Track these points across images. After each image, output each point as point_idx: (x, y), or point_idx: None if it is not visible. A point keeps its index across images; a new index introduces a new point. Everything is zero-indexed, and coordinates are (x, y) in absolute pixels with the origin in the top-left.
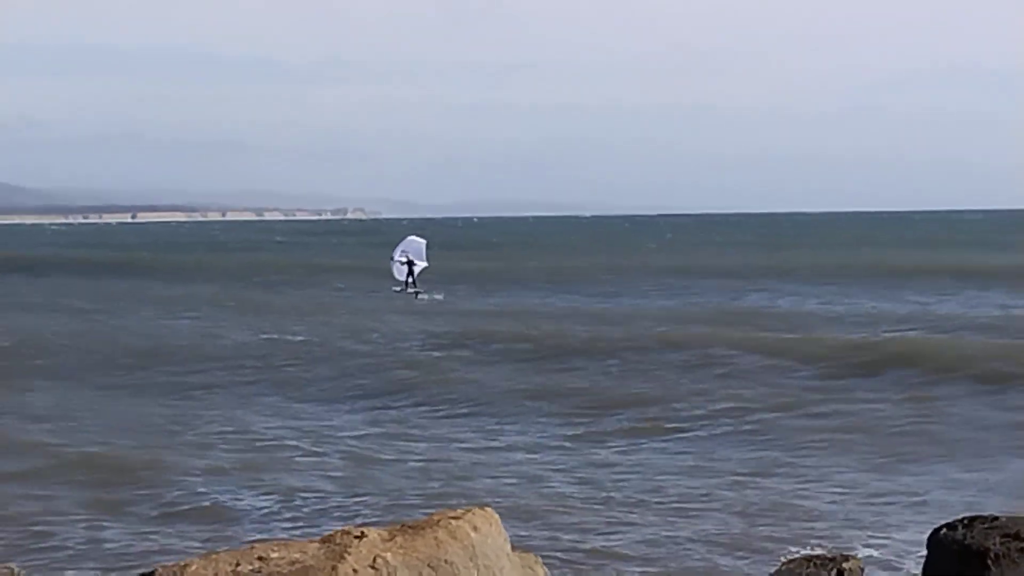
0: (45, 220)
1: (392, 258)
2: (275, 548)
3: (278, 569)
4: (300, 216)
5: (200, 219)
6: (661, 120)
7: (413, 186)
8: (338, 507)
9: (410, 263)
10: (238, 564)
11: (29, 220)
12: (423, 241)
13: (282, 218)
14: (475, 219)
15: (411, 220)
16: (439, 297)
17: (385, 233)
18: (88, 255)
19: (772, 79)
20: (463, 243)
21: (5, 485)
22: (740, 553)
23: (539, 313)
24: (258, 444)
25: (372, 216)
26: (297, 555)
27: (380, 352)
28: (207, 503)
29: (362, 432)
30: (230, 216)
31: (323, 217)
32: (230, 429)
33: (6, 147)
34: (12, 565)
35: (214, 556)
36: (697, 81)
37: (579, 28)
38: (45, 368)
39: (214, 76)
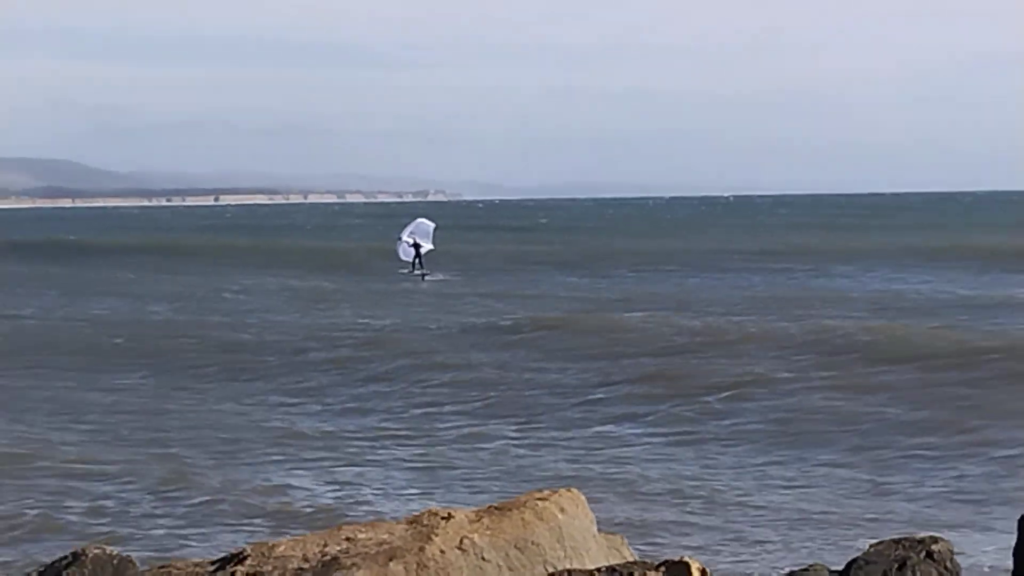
0: (130, 203)
1: (399, 239)
2: (362, 529)
3: (365, 549)
4: (382, 198)
5: (282, 201)
6: (748, 106)
7: (497, 169)
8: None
9: (416, 245)
10: (326, 545)
11: (113, 203)
12: (432, 224)
13: (364, 200)
14: (559, 201)
15: (487, 202)
16: (441, 277)
17: (446, 216)
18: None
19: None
20: (528, 226)
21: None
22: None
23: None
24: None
25: (453, 198)
26: (384, 535)
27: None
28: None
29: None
30: (312, 199)
31: (404, 200)
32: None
33: (94, 132)
34: (109, 548)
35: (302, 537)
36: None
37: (670, 9)
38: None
39: (297, 61)
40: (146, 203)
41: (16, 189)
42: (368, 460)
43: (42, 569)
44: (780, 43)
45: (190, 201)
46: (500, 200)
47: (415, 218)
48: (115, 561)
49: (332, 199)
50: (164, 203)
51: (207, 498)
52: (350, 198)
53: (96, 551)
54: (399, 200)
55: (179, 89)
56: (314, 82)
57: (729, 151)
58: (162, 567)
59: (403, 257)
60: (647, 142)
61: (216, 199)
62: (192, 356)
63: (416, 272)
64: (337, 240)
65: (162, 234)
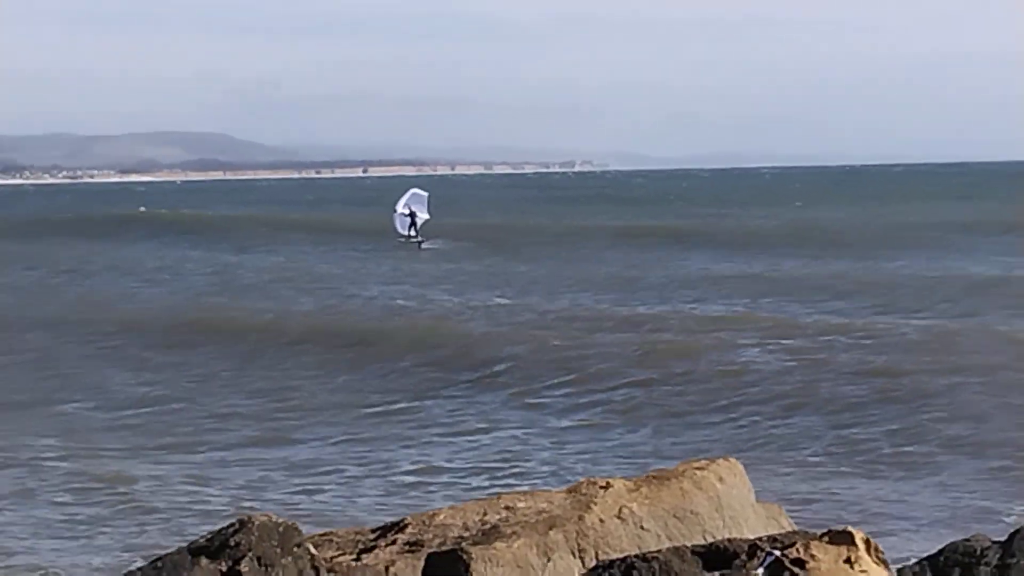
0: (281, 175)
1: (395, 211)
2: (521, 498)
3: (525, 518)
4: (528, 169)
5: (429, 173)
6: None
7: (644, 139)
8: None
9: (412, 214)
10: (485, 513)
11: (263, 175)
12: (425, 194)
13: (511, 171)
14: (704, 172)
15: (635, 172)
16: (439, 245)
17: (587, 187)
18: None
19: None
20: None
21: None
22: None
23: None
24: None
25: (600, 169)
26: (543, 504)
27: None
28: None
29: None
30: (459, 170)
31: (551, 170)
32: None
33: (247, 106)
34: (275, 515)
35: (462, 506)
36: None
37: None
38: None
39: (445, 33)
40: (295, 175)
41: (168, 162)
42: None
43: (210, 536)
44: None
45: (339, 173)
46: (649, 171)
47: (408, 190)
48: (281, 528)
49: (479, 170)
50: (313, 175)
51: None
52: (497, 169)
53: (262, 518)
54: (545, 171)
55: (329, 63)
56: (462, 54)
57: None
58: (323, 535)
59: (399, 228)
60: (792, 113)
61: (364, 171)
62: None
63: (412, 240)
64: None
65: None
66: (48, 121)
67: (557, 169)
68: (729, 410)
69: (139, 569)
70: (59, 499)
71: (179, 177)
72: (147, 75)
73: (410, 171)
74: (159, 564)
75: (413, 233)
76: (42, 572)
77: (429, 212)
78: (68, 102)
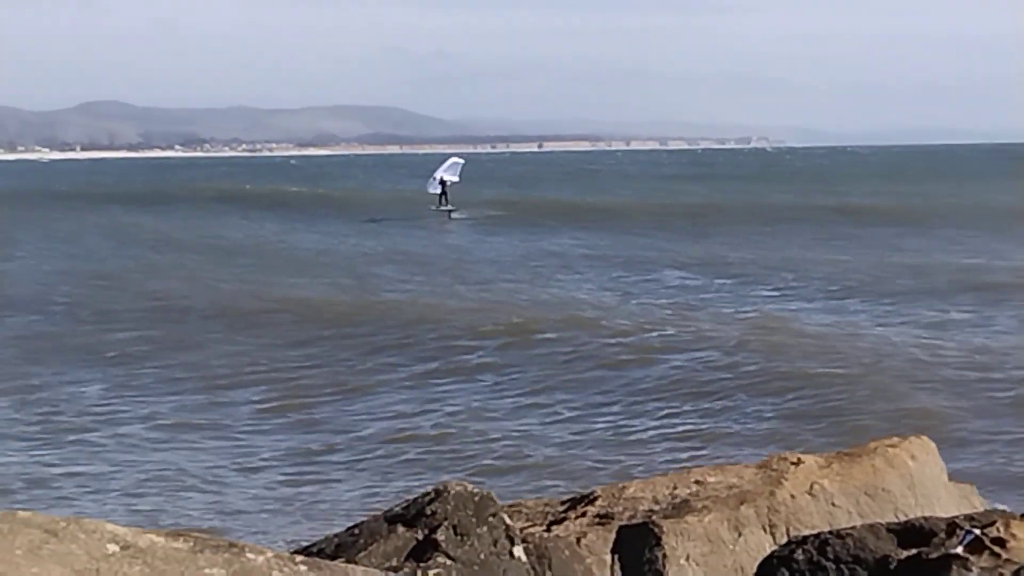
0: (455, 149)
1: (434, 178)
2: (711, 472)
3: (715, 492)
4: (704, 145)
5: (605, 148)
6: None
7: (822, 114)
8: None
9: (443, 182)
10: (675, 487)
11: (439, 149)
12: (462, 161)
13: (686, 147)
14: (893, 147)
15: (808, 148)
16: (465, 216)
17: (743, 166)
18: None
19: None
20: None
21: None
22: None
23: None
24: None
25: (776, 145)
26: (734, 479)
27: None
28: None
29: None
30: (634, 145)
31: (726, 146)
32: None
33: (423, 80)
34: (470, 484)
35: (652, 480)
36: None
37: None
38: None
39: (620, 7)
40: (471, 150)
41: (347, 136)
42: None
43: (405, 504)
44: None
45: (514, 148)
46: (826, 147)
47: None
48: (476, 498)
49: (654, 146)
50: (489, 150)
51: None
52: (672, 145)
53: (458, 487)
54: (721, 147)
55: (505, 36)
56: (637, 28)
57: None
58: (512, 505)
59: (431, 191)
60: (972, 88)
61: (540, 146)
62: None
63: (443, 208)
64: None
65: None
66: (230, 95)
67: (732, 145)
68: None
69: (335, 535)
70: None
71: (356, 151)
72: (327, 50)
73: (585, 146)
74: (356, 531)
75: (444, 200)
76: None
77: (459, 177)
78: (249, 76)
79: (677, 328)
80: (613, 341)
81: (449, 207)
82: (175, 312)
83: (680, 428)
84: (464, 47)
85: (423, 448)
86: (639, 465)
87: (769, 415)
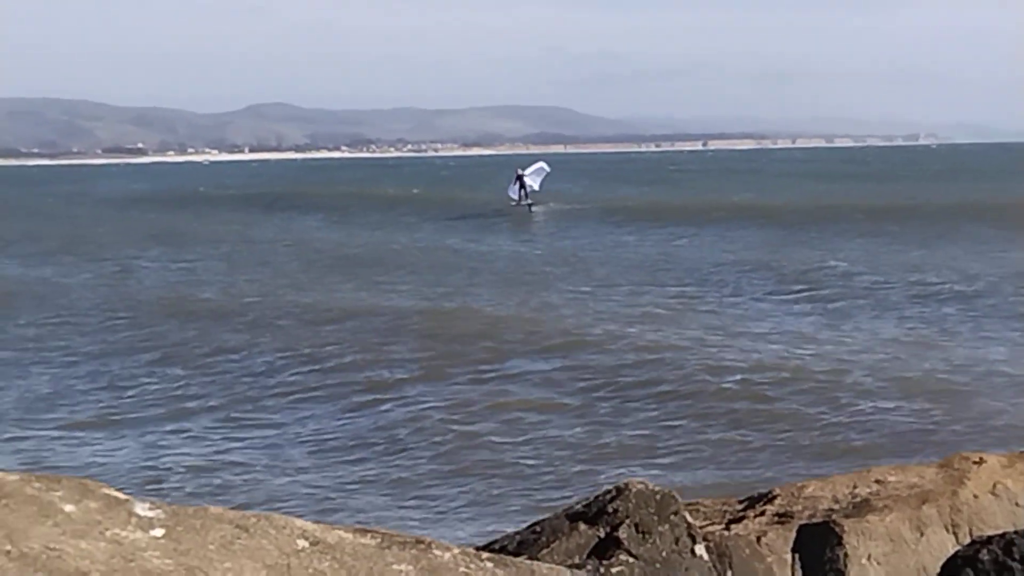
0: (620, 149)
1: (517, 173)
2: (892, 472)
3: (896, 492)
4: (871, 142)
5: (770, 146)
6: None
7: (991, 110)
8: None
9: (520, 178)
10: (855, 486)
11: (604, 148)
12: (547, 169)
13: (852, 144)
14: None
15: (975, 145)
16: (543, 211)
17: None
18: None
19: None
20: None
21: None
22: None
23: None
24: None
25: (945, 142)
26: (915, 479)
27: None
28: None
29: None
30: (800, 143)
31: (894, 143)
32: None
33: (587, 79)
34: (652, 483)
35: (831, 479)
36: None
37: None
38: None
39: (784, 4)
40: (636, 149)
41: (511, 136)
42: None
43: (587, 502)
44: None
45: (678, 146)
46: (994, 144)
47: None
48: (658, 496)
49: (820, 143)
50: (653, 148)
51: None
52: (838, 142)
53: (639, 485)
54: (888, 144)
55: (671, 35)
56: (802, 25)
57: None
58: (689, 504)
59: (511, 195)
60: None
61: (704, 144)
62: None
63: (523, 204)
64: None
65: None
66: (396, 96)
67: (900, 142)
68: None
69: (517, 532)
70: None
71: (520, 151)
72: (491, 50)
73: (750, 144)
74: (538, 528)
75: (524, 195)
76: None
77: (540, 187)
78: (415, 78)
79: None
80: None
81: (529, 201)
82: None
83: None
84: (629, 46)
85: None
86: None
87: None
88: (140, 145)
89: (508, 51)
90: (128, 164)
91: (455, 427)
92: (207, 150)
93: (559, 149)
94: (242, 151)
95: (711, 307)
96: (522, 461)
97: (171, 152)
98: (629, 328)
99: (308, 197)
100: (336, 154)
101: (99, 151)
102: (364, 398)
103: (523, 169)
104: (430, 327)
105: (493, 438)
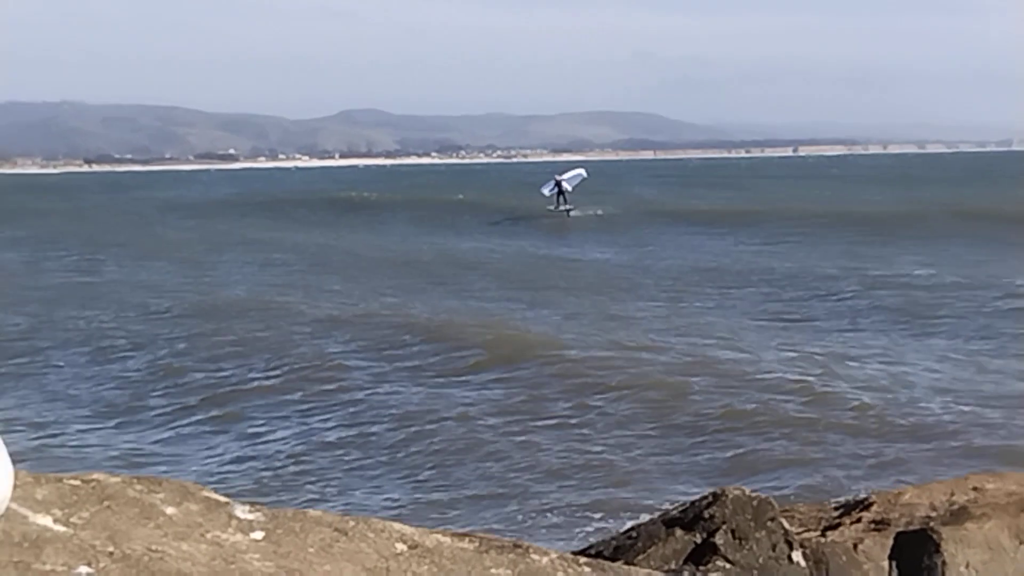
0: (708, 154)
1: (558, 180)
2: (990, 479)
3: (994, 499)
4: (963, 148)
5: (861, 151)
6: None
7: None
8: None
9: (558, 183)
10: (953, 494)
11: (693, 154)
12: (585, 174)
13: (944, 150)
14: None
15: None
16: (580, 213)
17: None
18: None
19: None
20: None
21: None
22: None
23: None
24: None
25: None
26: (1013, 487)
27: None
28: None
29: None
30: (891, 149)
31: (986, 149)
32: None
33: (675, 84)
34: (748, 488)
35: (928, 486)
36: None
37: None
38: None
39: (878, 7)
40: (725, 154)
41: (600, 142)
42: None
43: (683, 508)
44: None
45: (768, 152)
46: None
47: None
48: (755, 502)
49: (912, 149)
50: (743, 154)
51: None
52: (930, 148)
53: (736, 491)
54: (980, 150)
55: (760, 41)
56: (893, 29)
57: None
58: (784, 510)
59: (545, 192)
60: None
61: (795, 150)
62: None
63: (561, 208)
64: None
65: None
66: (485, 102)
67: (993, 148)
68: None
69: (613, 537)
70: None
71: (610, 157)
72: (582, 56)
73: (840, 150)
74: (634, 534)
75: (562, 200)
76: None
77: (574, 188)
78: (505, 84)
79: None
80: None
81: (568, 206)
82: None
83: None
84: (719, 51)
85: None
86: None
87: None
88: (232, 151)
89: (597, 56)
90: (220, 170)
91: None
92: (298, 156)
93: (648, 155)
94: (332, 157)
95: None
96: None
97: (262, 158)
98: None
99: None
100: (426, 160)
101: (191, 157)
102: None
103: (560, 175)
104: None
105: None
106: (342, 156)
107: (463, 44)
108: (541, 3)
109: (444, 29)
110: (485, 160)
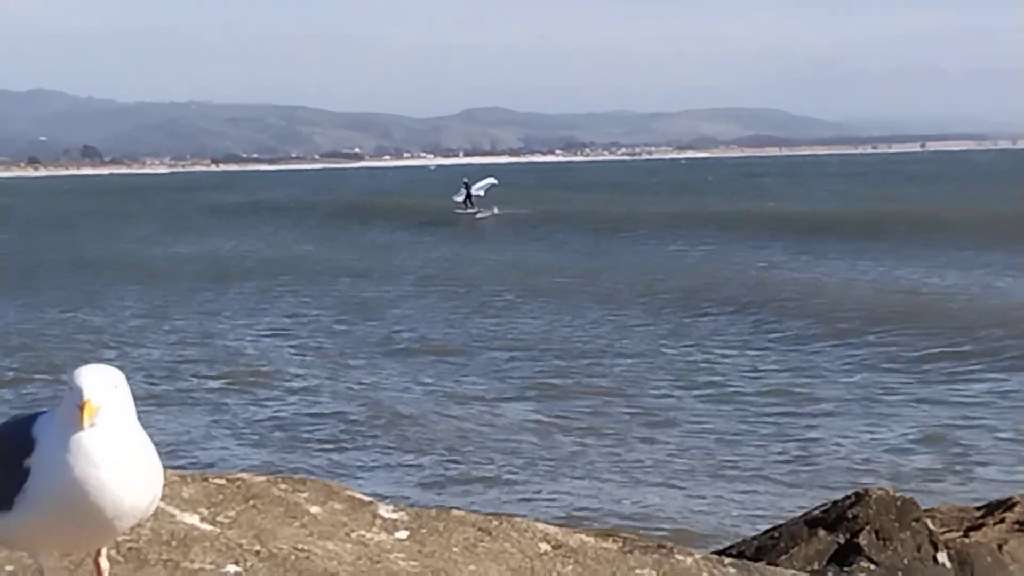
0: (834, 151)
1: (466, 183)
2: None
3: None
4: None
5: (990, 147)
6: None
7: None
8: None
9: (467, 185)
10: None
11: (819, 151)
12: (495, 181)
13: None
14: None
15: None
16: (490, 214)
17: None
18: None
19: None
20: None
21: None
22: None
23: None
24: None
25: None
26: None
27: None
28: None
29: None
30: (1020, 144)
31: None
32: None
33: (802, 81)
34: (892, 489)
35: None
36: None
37: None
38: None
39: (1005, 2)
40: (851, 150)
41: (724, 139)
42: None
43: (825, 508)
44: None
45: (895, 148)
46: None
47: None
48: (899, 503)
49: None
50: (870, 151)
51: None
52: None
53: (879, 492)
54: None
55: (888, 36)
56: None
57: None
58: (926, 511)
59: (456, 198)
60: None
61: (922, 146)
62: None
63: (469, 211)
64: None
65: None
66: (610, 99)
67: None
68: None
69: (754, 537)
70: None
71: (735, 153)
72: (707, 53)
73: (969, 145)
74: (776, 534)
75: (468, 203)
76: None
77: (483, 192)
78: (631, 80)
79: None
80: None
81: (474, 209)
82: None
83: None
84: (845, 47)
85: None
86: None
87: None
88: (357, 150)
89: (725, 53)
90: (346, 169)
91: None
92: (423, 154)
93: (774, 151)
94: (456, 155)
95: None
96: None
97: (387, 156)
98: None
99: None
100: (550, 158)
101: (317, 156)
102: None
103: (468, 178)
104: None
105: None
106: (466, 154)
107: (586, 43)
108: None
109: (567, 29)
110: (609, 157)
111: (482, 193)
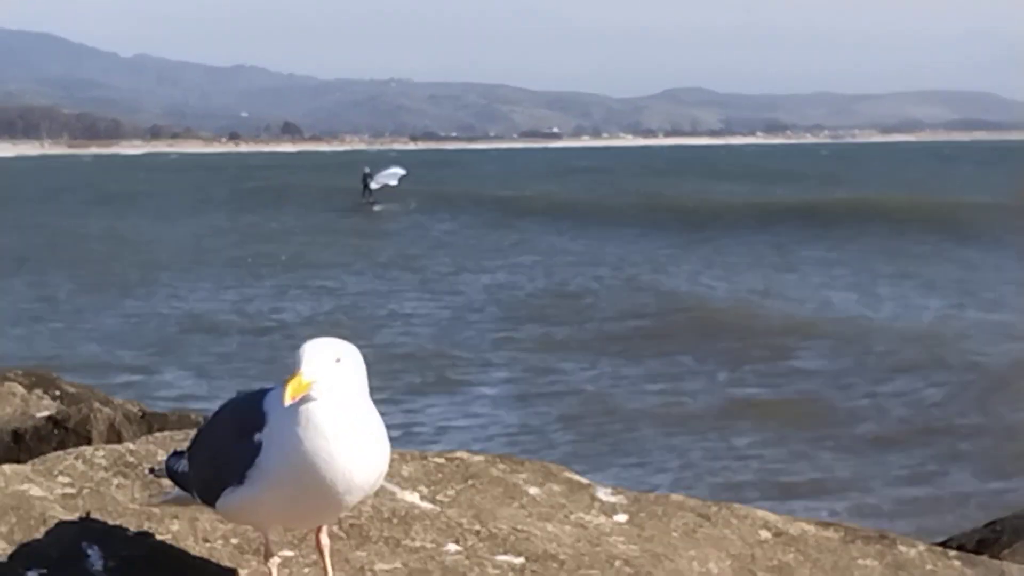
0: None
1: (366, 173)
2: None
3: None
4: None
5: None
6: None
7: None
8: None
9: (367, 177)
10: None
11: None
12: (403, 171)
13: None
14: None
15: None
16: (386, 207)
17: None
18: None
19: None
20: None
21: None
22: None
23: None
24: None
25: None
26: None
27: None
28: None
29: None
30: None
31: None
32: None
33: (1017, 63)
34: None
35: None
36: None
37: None
38: None
39: None
40: None
41: (932, 122)
42: None
43: None
44: None
45: None
46: None
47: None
48: None
49: None
50: None
51: None
52: None
53: None
54: None
55: None
56: None
57: None
58: None
59: (373, 185)
60: None
61: None
62: None
63: (366, 201)
64: None
65: None
66: (814, 80)
67: None
68: None
69: (974, 530)
70: None
71: (941, 137)
72: (914, 33)
73: None
74: (997, 527)
75: (368, 194)
76: None
77: (388, 182)
78: (834, 61)
79: None
80: None
81: (372, 199)
82: None
83: None
84: None
85: None
86: None
87: None
88: (555, 129)
89: (930, 34)
90: (546, 148)
91: None
92: (622, 135)
93: (982, 136)
94: (656, 136)
95: None
96: None
97: (585, 136)
98: None
99: None
100: (751, 139)
101: (515, 135)
102: None
103: (368, 168)
104: None
105: None
106: (666, 135)
107: (791, 19)
108: None
109: (772, 3)
110: (812, 140)
111: (394, 183)
